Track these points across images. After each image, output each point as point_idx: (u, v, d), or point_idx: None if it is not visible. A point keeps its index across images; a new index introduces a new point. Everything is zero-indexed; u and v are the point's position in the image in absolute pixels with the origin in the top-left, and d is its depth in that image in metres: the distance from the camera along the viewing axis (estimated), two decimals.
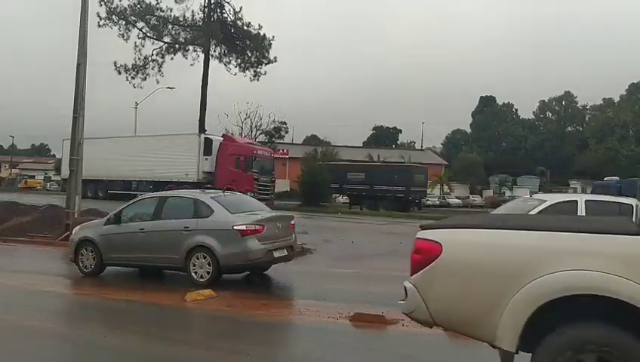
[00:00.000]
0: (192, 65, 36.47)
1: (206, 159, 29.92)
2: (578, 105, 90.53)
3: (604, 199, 10.26)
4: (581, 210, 8.84)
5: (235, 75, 36.77)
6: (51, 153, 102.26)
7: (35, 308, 7.84)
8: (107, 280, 10.00)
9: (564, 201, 9.54)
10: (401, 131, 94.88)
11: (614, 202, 9.82)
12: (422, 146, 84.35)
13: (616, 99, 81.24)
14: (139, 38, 35.04)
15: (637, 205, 9.43)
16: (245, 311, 7.30)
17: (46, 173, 79.42)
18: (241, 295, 8.02)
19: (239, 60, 36.70)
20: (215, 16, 36.14)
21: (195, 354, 5.74)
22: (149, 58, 35.55)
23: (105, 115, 51.15)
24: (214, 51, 36.41)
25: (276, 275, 10.90)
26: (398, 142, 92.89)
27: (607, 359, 3.11)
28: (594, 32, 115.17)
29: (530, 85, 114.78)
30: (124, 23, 34.35)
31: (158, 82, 37.02)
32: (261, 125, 44.25)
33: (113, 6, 33.94)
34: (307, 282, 9.80)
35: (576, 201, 9.20)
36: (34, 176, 79.50)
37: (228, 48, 36.60)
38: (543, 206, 9.10)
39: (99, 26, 33.24)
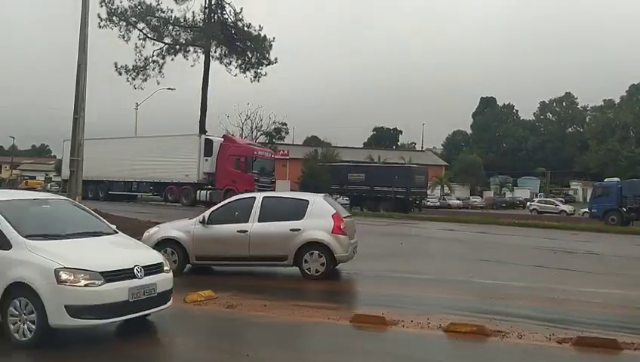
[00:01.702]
0: (192, 66, 36.50)
1: (206, 160, 29.91)
2: (578, 106, 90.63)
3: (281, 196, 11.20)
4: (257, 206, 9.78)
5: (235, 76, 36.82)
6: (52, 154, 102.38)
7: None
8: None
9: (244, 198, 10.56)
10: (401, 132, 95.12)
11: (291, 198, 10.61)
12: (422, 147, 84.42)
13: (617, 100, 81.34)
14: (139, 39, 35.08)
15: (313, 200, 9.88)
16: (245, 312, 7.29)
17: (47, 174, 79.55)
18: (241, 296, 8.02)
19: (240, 61, 36.71)
20: (216, 17, 36.16)
21: (195, 355, 5.74)
22: (150, 59, 35.58)
23: (106, 116, 51.17)
24: (215, 52, 36.45)
25: (277, 276, 10.89)
26: (399, 143, 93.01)
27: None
28: (594, 33, 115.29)
29: (531, 86, 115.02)
30: (124, 24, 34.36)
31: (158, 83, 37.08)
32: (261, 126, 44.18)
33: (114, 7, 33.98)
34: (307, 283, 9.79)
35: (255, 198, 10.16)
36: (34, 176, 79.62)
37: (228, 49, 36.61)
38: (228, 201, 10.66)
39: (99, 27, 33.28)
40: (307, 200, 9.89)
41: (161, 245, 9.63)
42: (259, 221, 9.58)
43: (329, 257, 9.45)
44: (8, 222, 5.81)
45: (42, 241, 5.77)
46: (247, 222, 9.62)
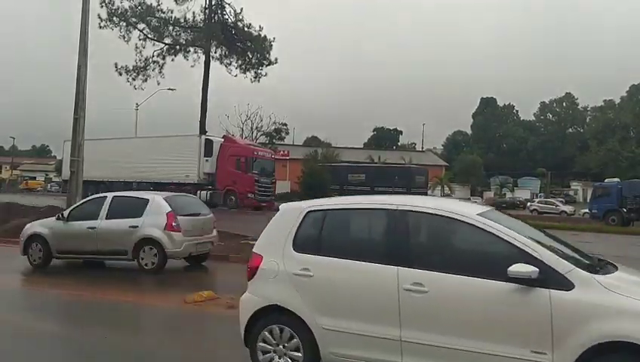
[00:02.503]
0: (192, 66, 36.51)
1: (207, 160, 29.89)
2: (579, 106, 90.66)
3: (128, 195, 12.00)
4: (107, 204, 10.69)
5: (235, 76, 36.82)
6: (52, 154, 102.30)
7: (37, 309, 7.85)
8: (106, 281, 10.00)
9: (98, 197, 11.57)
10: (401, 132, 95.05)
11: (135, 197, 11.31)
12: (422, 148, 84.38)
13: (617, 100, 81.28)
14: (140, 40, 35.07)
15: (152, 199, 10.65)
16: None
17: (47, 175, 79.50)
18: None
19: (240, 62, 36.70)
20: (216, 17, 36.16)
21: (195, 356, 5.73)
22: (150, 59, 35.58)
23: (106, 116, 51.13)
24: (215, 52, 36.45)
25: None
26: (399, 144, 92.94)
27: None
28: (595, 34, 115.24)
29: (531, 86, 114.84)
30: (125, 24, 34.36)
31: (159, 83, 37.07)
32: (262, 126, 44.22)
33: (114, 7, 33.99)
34: None
35: (106, 196, 11.14)
36: (35, 177, 79.58)
37: (229, 49, 36.60)
38: (86, 199, 11.81)
39: (100, 27, 33.29)
40: (147, 199, 10.66)
41: (30, 240, 10.96)
42: (106, 218, 10.49)
43: (161, 252, 10.13)
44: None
45: (599, 276, 3.90)
46: (97, 219, 10.54)
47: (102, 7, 33.43)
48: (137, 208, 10.42)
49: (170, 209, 10.34)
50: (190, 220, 10.64)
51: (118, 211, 10.56)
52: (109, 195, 11.17)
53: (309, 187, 34.45)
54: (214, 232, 11.39)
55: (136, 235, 10.18)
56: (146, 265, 10.20)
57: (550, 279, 3.76)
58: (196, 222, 10.87)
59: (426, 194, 41.80)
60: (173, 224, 10.20)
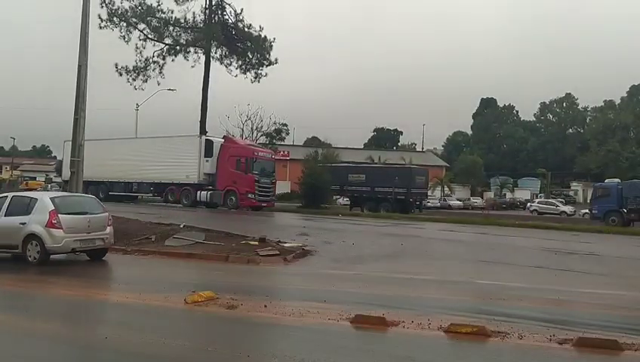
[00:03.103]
0: (193, 66, 36.43)
1: (207, 161, 29.88)
2: (579, 107, 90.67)
3: (23, 195, 13.08)
4: (7, 202, 11.73)
5: (236, 76, 36.73)
6: (52, 155, 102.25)
7: (37, 310, 7.86)
8: (106, 281, 10.01)
9: (1, 196, 12.43)
10: (402, 133, 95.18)
11: (28, 197, 12.30)
12: (423, 148, 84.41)
13: (617, 101, 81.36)
14: (140, 40, 34.99)
15: (41, 199, 11.58)
16: (246, 313, 7.30)
17: (47, 175, 79.50)
18: (242, 297, 8.01)
19: (240, 62, 36.65)
20: (216, 17, 36.14)
21: (196, 356, 5.73)
22: (150, 60, 35.52)
23: (106, 116, 51.06)
24: (215, 53, 36.40)
25: (277, 277, 10.90)
26: (399, 144, 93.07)
27: None
28: (595, 34, 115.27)
29: (531, 87, 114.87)
30: (125, 24, 34.33)
31: (159, 84, 36.97)
32: (262, 127, 44.20)
33: (114, 8, 33.97)
34: (308, 284, 9.80)
35: (7, 196, 12.23)
36: (35, 177, 79.61)
37: (229, 50, 36.58)
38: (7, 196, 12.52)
39: (100, 27, 33.26)
40: (37, 199, 11.67)
41: None
42: (5, 215, 11.57)
43: (42, 247, 11.09)
44: None
45: None
46: None
47: (102, 7, 33.44)
48: (29, 207, 11.48)
49: (53, 208, 11.25)
50: (74, 218, 11.45)
51: (14, 209, 11.65)
52: (10, 195, 12.44)
53: (309, 187, 34.46)
54: (108, 230, 12.07)
55: (24, 231, 11.22)
56: (30, 257, 11.19)
57: None
58: (81, 220, 11.58)
59: (426, 194, 41.88)
60: (54, 221, 11.09)
